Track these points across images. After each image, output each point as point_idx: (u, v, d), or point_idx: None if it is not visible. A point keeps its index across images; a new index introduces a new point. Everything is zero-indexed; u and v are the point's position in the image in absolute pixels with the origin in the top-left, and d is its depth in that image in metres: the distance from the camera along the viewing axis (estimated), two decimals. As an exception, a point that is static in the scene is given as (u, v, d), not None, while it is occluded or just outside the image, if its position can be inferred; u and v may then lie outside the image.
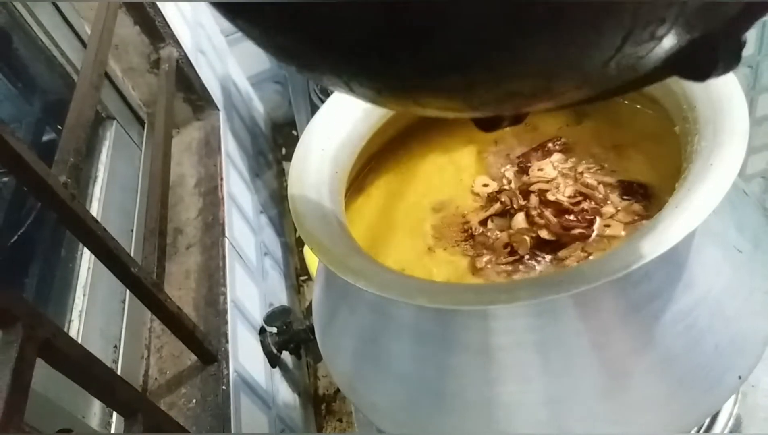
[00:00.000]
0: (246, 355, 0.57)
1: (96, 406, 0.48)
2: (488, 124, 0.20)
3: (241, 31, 0.15)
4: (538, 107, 0.17)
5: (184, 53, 0.73)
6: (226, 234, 0.62)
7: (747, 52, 0.97)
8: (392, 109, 0.18)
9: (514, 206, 0.33)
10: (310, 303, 0.70)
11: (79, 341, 0.42)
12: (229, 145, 0.77)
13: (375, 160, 0.39)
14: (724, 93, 0.27)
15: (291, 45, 0.15)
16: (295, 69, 0.16)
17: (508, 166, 0.37)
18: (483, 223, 0.34)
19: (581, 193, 0.32)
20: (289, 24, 0.13)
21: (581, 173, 0.34)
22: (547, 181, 0.34)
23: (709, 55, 0.15)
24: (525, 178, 0.35)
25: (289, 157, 1.03)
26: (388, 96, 0.16)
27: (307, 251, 0.76)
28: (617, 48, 0.13)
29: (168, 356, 0.53)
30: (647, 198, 0.31)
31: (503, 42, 0.13)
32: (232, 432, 0.48)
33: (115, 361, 0.53)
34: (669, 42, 0.14)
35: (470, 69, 0.14)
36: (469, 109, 0.17)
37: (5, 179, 0.53)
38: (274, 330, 0.63)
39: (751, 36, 0.95)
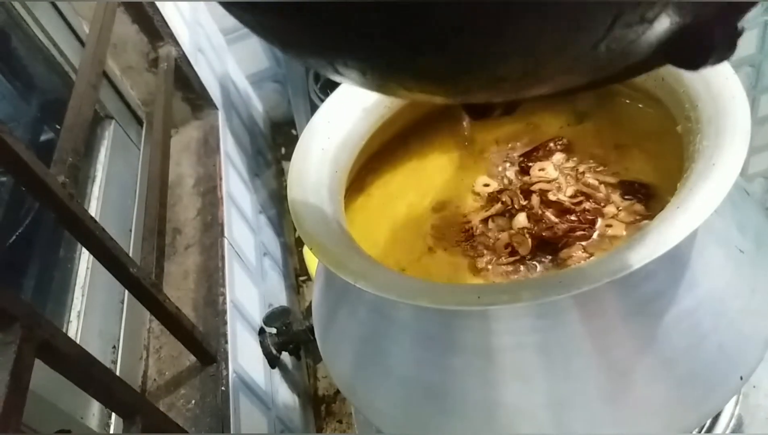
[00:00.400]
0: (245, 355, 0.56)
1: (95, 407, 0.48)
2: (479, 112, 0.20)
3: (223, 7, 0.15)
4: (528, 94, 0.16)
5: (183, 52, 0.73)
6: (225, 234, 0.62)
7: (749, 51, 0.97)
8: (383, 93, 0.18)
9: (515, 206, 0.33)
10: (310, 304, 0.70)
11: (78, 342, 0.42)
12: (228, 144, 0.77)
13: (375, 159, 0.39)
14: (726, 92, 0.27)
15: (274, 23, 0.14)
16: (280, 49, 0.16)
17: (509, 166, 0.37)
18: (484, 223, 0.34)
19: (582, 193, 0.32)
20: (271, 1, 0.13)
21: (582, 173, 0.34)
22: (549, 181, 0.33)
23: (703, 42, 0.15)
24: (526, 178, 0.35)
25: (288, 157, 1.03)
26: (374, 78, 0.16)
27: (307, 251, 0.75)
28: (606, 30, 0.13)
29: (167, 357, 0.53)
30: (649, 198, 0.31)
31: (485, 21, 0.12)
32: (231, 433, 0.48)
33: (114, 362, 0.53)
34: (660, 26, 0.14)
35: (452, 50, 0.13)
36: (456, 94, 0.16)
37: (3, 179, 0.53)
38: (274, 331, 0.63)
39: (753, 36, 0.95)
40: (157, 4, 0.71)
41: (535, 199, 0.33)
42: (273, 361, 0.62)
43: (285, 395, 0.64)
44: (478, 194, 0.36)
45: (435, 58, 0.14)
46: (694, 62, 0.15)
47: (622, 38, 0.13)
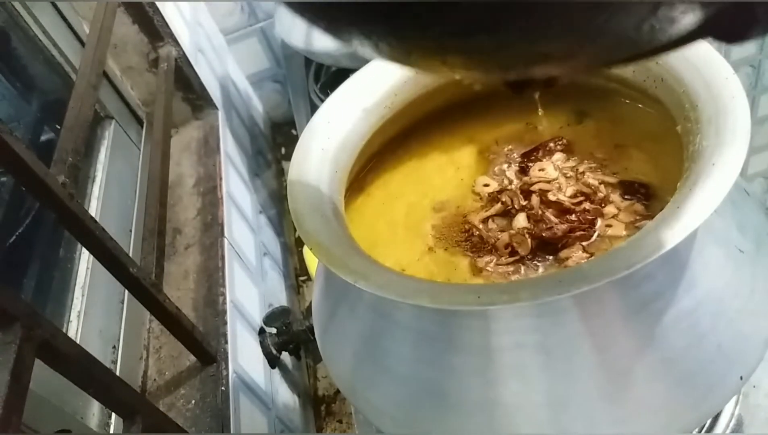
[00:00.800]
0: (245, 355, 0.56)
1: (95, 407, 0.48)
2: (519, 87, 0.20)
3: None
4: (569, 69, 0.17)
5: (183, 52, 0.73)
6: (225, 234, 0.62)
7: (749, 51, 0.97)
8: (419, 70, 0.18)
9: (515, 206, 0.33)
10: (310, 303, 0.70)
11: (78, 342, 0.42)
12: (228, 144, 0.77)
13: (375, 159, 0.39)
14: (726, 92, 0.27)
15: (321, 7, 0.14)
16: (323, 29, 0.16)
17: (509, 166, 0.37)
18: (484, 223, 0.34)
19: (582, 193, 0.32)
20: None
21: (582, 173, 0.34)
22: (549, 181, 0.33)
23: (745, 15, 0.14)
24: (526, 178, 0.35)
25: (288, 157, 1.03)
26: (417, 57, 0.16)
27: (307, 251, 0.75)
28: (651, 10, 0.13)
29: (167, 357, 0.53)
30: (649, 198, 0.31)
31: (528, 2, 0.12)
32: (232, 433, 0.48)
33: (114, 362, 0.53)
34: (705, 3, 0.14)
35: (500, 30, 0.13)
36: (499, 69, 0.17)
37: (3, 179, 0.53)
38: (274, 331, 0.63)
39: (752, 36, 0.95)
40: (158, 4, 0.71)
41: (535, 200, 0.33)
42: (273, 361, 0.62)
43: (285, 395, 0.64)
44: (478, 194, 0.36)
45: (481, 38, 0.14)
46: (736, 36, 0.15)
47: (666, 18, 0.14)
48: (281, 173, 1.01)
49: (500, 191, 0.35)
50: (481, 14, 0.13)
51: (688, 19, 0.14)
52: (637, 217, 0.31)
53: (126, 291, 0.48)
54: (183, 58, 0.73)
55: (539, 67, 0.16)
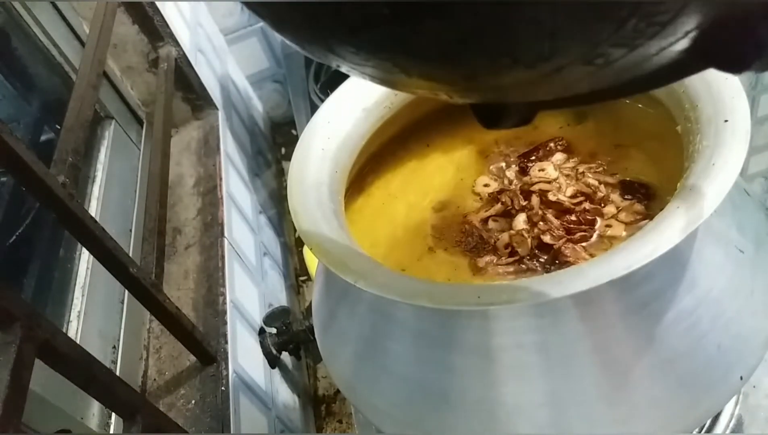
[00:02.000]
0: (245, 355, 0.56)
1: (95, 407, 0.48)
2: (490, 117, 0.19)
3: None
4: (542, 92, 0.15)
5: (183, 52, 0.73)
6: (225, 234, 0.62)
7: (748, 51, 0.97)
8: (385, 83, 0.16)
9: (515, 207, 0.33)
10: (310, 303, 0.70)
11: (78, 342, 0.42)
12: (228, 144, 0.77)
13: (375, 160, 0.39)
14: (726, 92, 0.27)
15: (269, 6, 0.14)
16: (273, 29, 0.15)
17: (509, 166, 0.37)
18: (484, 223, 0.34)
19: (582, 193, 0.32)
20: None
21: (582, 173, 0.34)
22: (549, 182, 0.33)
23: (747, 41, 0.13)
24: (526, 178, 0.35)
25: (288, 157, 1.03)
26: (366, 54, 0.14)
27: (307, 251, 0.75)
28: (629, 12, 0.11)
29: (167, 357, 0.53)
30: (649, 198, 0.31)
31: None
32: (232, 433, 0.48)
33: (114, 362, 0.53)
34: (692, 14, 0.12)
35: (453, 20, 0.12)
36: (453, 77, 0.14)
37: (3, 179, 0.53)
38: (274, 331, 0.63)
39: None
40: (157, 4, 0.71)
41: (535, 200, 0.33)
42: (273, 361, 0.62)
43: (285, 395, 0.64)
44: (478, 194, 0.36)
45: (435, 31, 0.12)
46: (738, 64, 0.13)
47: (647, 27, 0.12)
48: (281, 173, 1.01)
49: (500, 191, 0.35)
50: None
51: (676, 30, 0.12)
52: (637, 217, 0.31)
53: (126, 291, 0.48)
54: (183, 58, 0.73)
55: (505, 81, 0.14)
